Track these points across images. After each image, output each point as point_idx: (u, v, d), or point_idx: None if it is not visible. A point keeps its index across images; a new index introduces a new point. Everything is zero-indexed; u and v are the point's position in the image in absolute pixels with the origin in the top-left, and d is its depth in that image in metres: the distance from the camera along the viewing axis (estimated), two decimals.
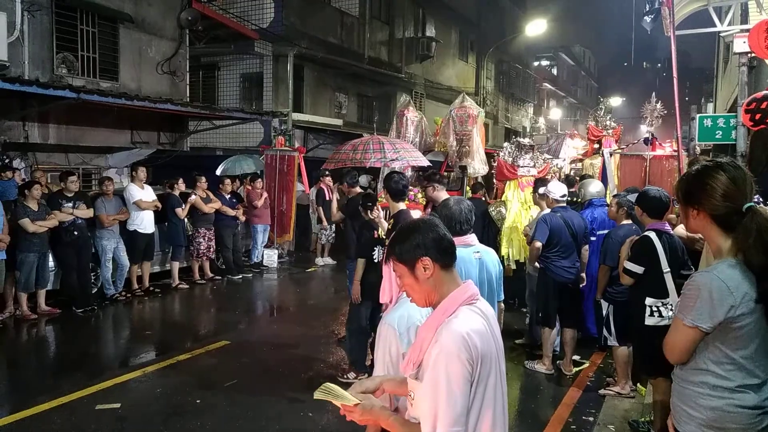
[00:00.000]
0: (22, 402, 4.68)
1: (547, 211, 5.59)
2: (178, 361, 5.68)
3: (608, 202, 6.23)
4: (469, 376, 1.70)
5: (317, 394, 1.88)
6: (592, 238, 5.82)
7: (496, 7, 26.29)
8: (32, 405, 4.59)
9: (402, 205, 4.87)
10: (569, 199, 7.64)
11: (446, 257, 1.86)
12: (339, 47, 16.47)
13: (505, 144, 7.75)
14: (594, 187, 6.17)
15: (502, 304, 3.78)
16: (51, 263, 7.34)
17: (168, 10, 11.63)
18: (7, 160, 8.63)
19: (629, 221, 4.77)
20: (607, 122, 7.92)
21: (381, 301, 2.64)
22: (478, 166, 9.67)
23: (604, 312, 4.75)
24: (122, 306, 7.91)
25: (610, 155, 7.01)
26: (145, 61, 11.29)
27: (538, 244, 5.29)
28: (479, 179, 9.64)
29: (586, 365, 5.65)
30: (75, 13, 9.93)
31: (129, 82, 10.87)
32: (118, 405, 4.62)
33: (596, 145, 8.06)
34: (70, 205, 7.36)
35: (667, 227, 3.91)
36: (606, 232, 5.42)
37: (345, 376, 5.09)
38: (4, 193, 7.29)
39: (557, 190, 5.53)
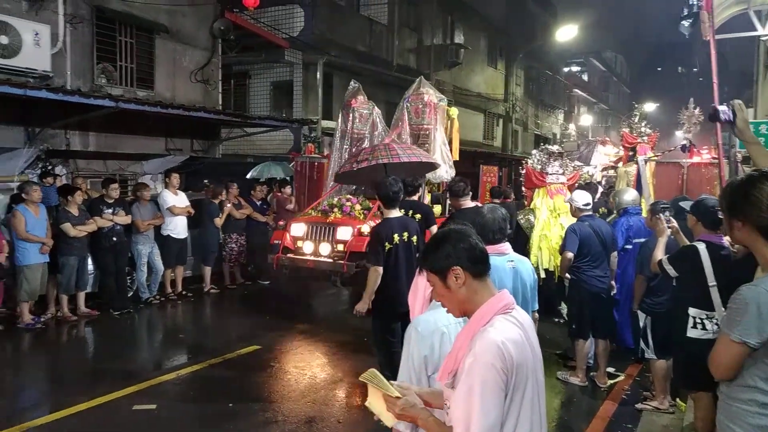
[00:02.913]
0: (63, 401, 4.82)
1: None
2: (210, 365, 5.77)
3: (643, 210, 6.15)
4: (503, 385, 1.69)
5: (363, 377, 1.91)
6: (628, 247, 5.73)
7: (525, 14, 26.12)
8: (72, 404, 4.72)
9: (395, 212, 4.73)
10: (604, 208, 7.59)
11: (478, 266, 1.86)
12: (368, 55, 16.57)
13: (534, 151, 7.66)
14: (629, 195, 6.07)
15: (537, 314, 3.74)
16: (90, 266, 7.55)
17: (201, 21, 11.89)
18: (49, 167, 8.91)
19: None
20: (642, 128, 7.80)
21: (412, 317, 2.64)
22: (439, 170, 7.91)
23: (642, 323, 4.66)
24: (156, 309, 8.07)
25: (645, 163, 6.88)
26: (179, 70, 11.55)
27: (570, 254, 5.22)
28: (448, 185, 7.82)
29: (622, 378, 5.53)
30: (114, 24, 10.23)
31: (164, 91, 11.14)
32: (154, 406, 4.72)
33: (630, 153, 7.94)
34: (110, 211, 7.57)
35: (723, 240, 3.74)
36: (642, 240, 5.34)
37: None
38: (46, 199, 7.51)
39: (580, 198, 5.48)
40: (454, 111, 8.87)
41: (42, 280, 7.03)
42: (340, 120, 8.82)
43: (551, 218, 6.95)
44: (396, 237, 4.57)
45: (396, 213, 4.72)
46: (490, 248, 3.28)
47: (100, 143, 10.02)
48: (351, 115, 8.61)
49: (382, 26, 17.53)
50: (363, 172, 6.78)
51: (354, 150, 8.42)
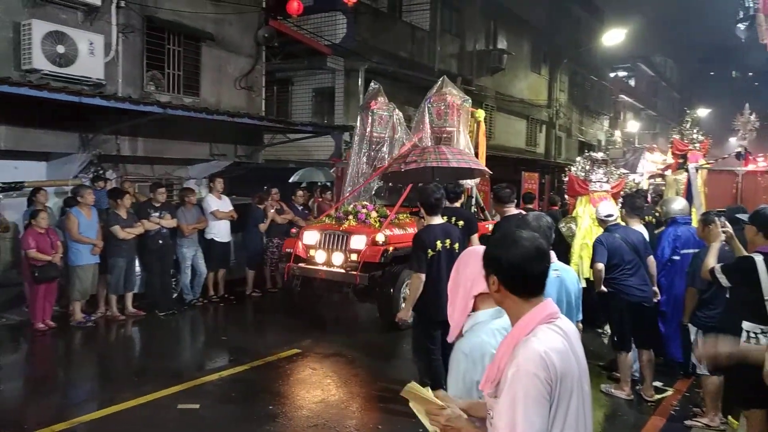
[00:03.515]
0: (111, 397, 4.97)
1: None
2: (251, 367, 5.85)
3: (693, 220, 5.94)
4: (547, 395, 1.65)
5: (405, 393, 1.89)
6: (676, 257, 5.54)
7: (570, 18, 25.70)
8: (120, 401, 4.86)
9: (437, 219, 4.69)
10: (652, 217, 7.36)
11: (515, 282, 1.83)
12: (409, 61, 16.59)
13: (578, 158, 7.51)
14: (677, 204, 5.87)
15: (581, 324, 3.65)
16: (137, 268, 7.78)
17: (246, 29, 12.13)
18: (101, 171, 9.23)
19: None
20: (694, 135, 7.53)
21: (449, 321, 2.59)
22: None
23: (692, 337, 4.50)
24: (199, 311, 8.25)
25: (697, 170, 6.64)
26: (224, 77, 11.81)
27: (600, 265, 5.13)
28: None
29: (670, 393, 5.33)
30: (163, 33, 10.54)
31: (209, 97, 11.40)
32: (197, 406, 4.81)
33: (681, 160, 7.67)
34: (157, 214, 7.79)
35: None
36: (691, 251, 5.16)
37: None
38: (97, 202, 7.78)
39: (603, 209, 5.47)
40: (481, 113, 8.56)
41: (93, 281, 7.29)
42: (359, 122, 8.60)
43: (593, 226, 6.81)
44: (438, 244, 4.54)
45: (438, 220, 4.69)
46: None
47: (148, 148, 10.32)
48: (370, 117, 8.39)
49: (424, 32, 17.54)
50: (410, 173, 6.76)
51: (373, 153, 8.35)
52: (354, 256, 6.97)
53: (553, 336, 1.75)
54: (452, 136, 7.70)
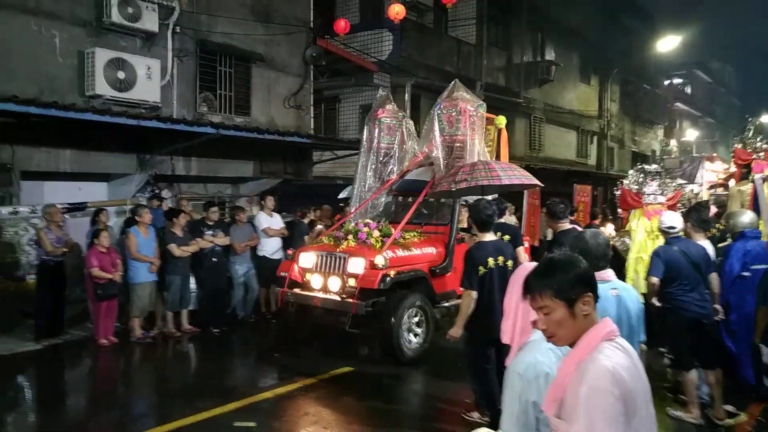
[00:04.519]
0: (169, 414, 5.06)
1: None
2: (305, 384, 5.84)
3: (763, 233, 5.63)
4: (623, 413, 1.62)
5: None
6: (745, 274, 5.24)
7: (620, 27, 25.12)
8: (178, 417, 4.93)
9: (489, 236, 4.59)
10: (715, 230, 7.03)
11: (596, 294, 1.83)
12: (456, 75, 16.51)
13: (630, 171, 7.27)
14: (746, 217, 5.57)
15: (644, 346, 3.49)
16: (192, 285, 7.96)
17: (295, 48, 12.39)
18: (156, 191, 9.56)
19: None
20: (758, 144, 7.16)
21: (503, 341, 2.53)
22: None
23: (765, 358, 4.23)
24: (252, 328, 8.35)
25: (764, 181, 6.31)
26: (273, 96, 12.08)
27: (654, 279, 4.92)
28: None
29: (744, 418, 5.01)
30: (215, 56, 10.89)
31: (259, 117, 11.67)
32: (253, 424, 4.84)
33: (744, 170, 7.31)
34: (211, 233, 7.98)
35: None
36: (762, 267, 4.88)
37: (469, 415, 4.93)
38: (153, 221, 8.04)
39: (667, 220, 5.22)
40: (502, 120, 7.99)
41: (151, 298, 7.50)
42: (365, 133, 7.96)
43: (648, 240, 6.58)
44: (491, 261, 4.46)
45: (491, 236, 4.61)
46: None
47: (202, 167, 10.63)
48: (377, 127, 7.83)
49: (470, 46, 17.50)
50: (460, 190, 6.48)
51: (384, 163, 7.82)
52: (352, 281, 6.31)
53: (618, 353, 1.72)
54: (464, 145, 6.93)
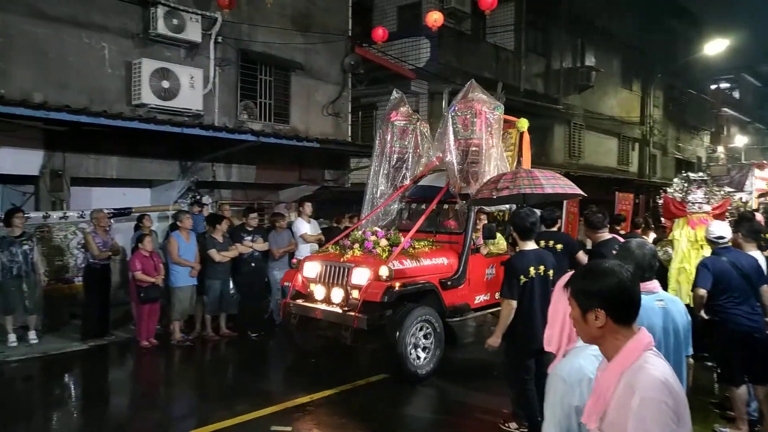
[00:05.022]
0: (207, 416, 5.14)
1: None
2: (341, 390, 5.86)
3: None
4: (675, 424, 1.60)
5: None
6: None
7: (664, 30, 24.49)
8: (216, 420, 5.00)
9: (530, 245, 4.49)
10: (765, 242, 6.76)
11: (623, 312, 1.78)
12: (494, 82, 16.42)
13: (675, 180, 7.06)
14: None
15: (691, 360, 3.38)
16: (231, 290, 8.10)
17: (333, 57, 12.53)
18: (198, 197, 9.78)
19: None
20: None
21: (546, 349, 2.50)
22: None
23: None
24: (288, 333, 8.41)
25: None
26: (312, 104, 12.23)
27: (702, 291, 4.76)
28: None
29: None
30: (256, 65, 11.11)
31: (298, 124, 11.83)
32: (290, 428, 4.86)
33: None
34: (250, 238, 8.11)
35: None
36: None
37: (506, 425, 4.85)
38: (194, 226, 8.23)
39: (714, 230, 5.06)
40: (524, 123, 7.52)
41: (191, 302, 7.66)
42: (377, 138, 7.71)
43: (692, 250, 6.36)
44: (532, 270, 4.39)
45: (532, 245, 4.53)
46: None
47: (241, 174, 10.83)
48: (390, 131, 7.56)
49: (508, 52, 17.37)
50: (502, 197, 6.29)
51: (396, 168, 7.51)
52: (356, 293, 5.98)
53: (663, 363, 1.70)
54: (480, 149, 6.55)
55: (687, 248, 6.40)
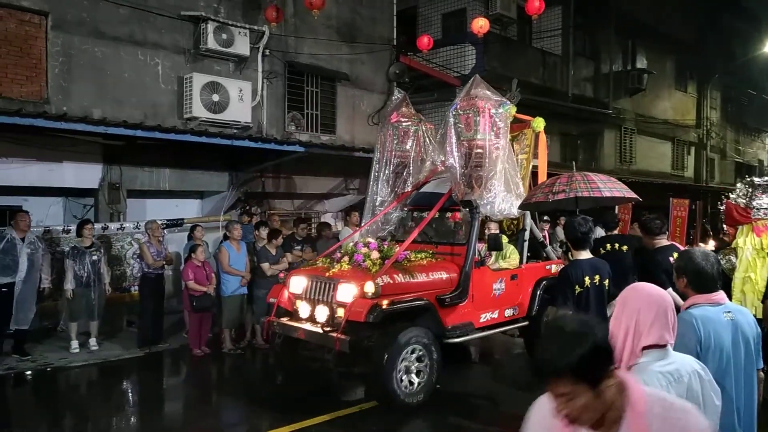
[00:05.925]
0: (258, 425, 5.25)
1: None
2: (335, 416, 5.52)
3: None
4: None
5: None
6: None
7: (720, 29, 23.56)
8: (267, 429, 5.05)
9: (585, 254, 4.29)
10: None
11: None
12: (541, 87, 16.16)
13: (738, 184, 6.73)
14: None
15: (762, 373, 3.19)
16: None
17: (378, 66, 12.59)
18: (247, 207, 9.97)
19: None
20: None
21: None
22: (499, 203, 6.05)
23: None
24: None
25: None
26: (357, 114, 12.30)
27: None
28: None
29: None
30: (302, 76, 11.28)
31: (344, 134, 11.92)
32: None
33: None
34: (299, 248, 8.19)
35: None
36: None
37: None
38: (243, 236, 8.37)
39: None
40: (540, 122, 7.01)
41: (241, 310, 7.78)
42: (378, 142, 7.31)
43: (757, 258, 6.03)
44: (587, 280, 4.24)
45: (587, 255, 4.37)
46: (704, 297, 2.90)
47: (289, 184, 10.98)
48: (391, 132, 7.15)
49: (556, 57, 17.06)
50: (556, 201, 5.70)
51: (397, 174, 7.14)
52: (342, 311, 5.39)
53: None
54: (485, 151, 5.98)
55: (752, 256, 6.11)
